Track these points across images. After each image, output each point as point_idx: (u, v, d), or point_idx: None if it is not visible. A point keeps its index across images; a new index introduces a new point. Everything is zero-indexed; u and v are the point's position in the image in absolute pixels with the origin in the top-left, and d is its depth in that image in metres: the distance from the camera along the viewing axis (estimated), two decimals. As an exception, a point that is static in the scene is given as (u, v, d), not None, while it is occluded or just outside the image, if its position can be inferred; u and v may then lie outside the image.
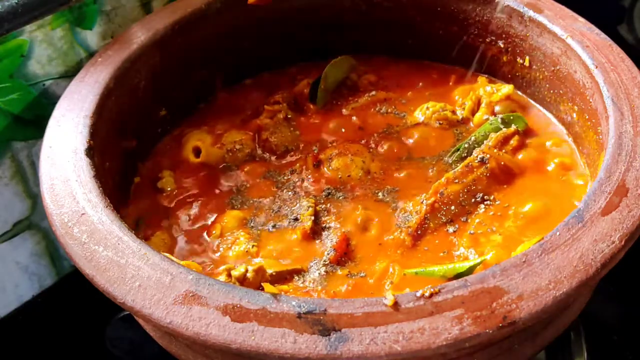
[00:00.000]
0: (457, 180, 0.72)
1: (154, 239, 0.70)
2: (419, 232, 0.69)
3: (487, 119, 0.80)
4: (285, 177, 0.78)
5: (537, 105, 0.83)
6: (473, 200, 0.72)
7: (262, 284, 0.62)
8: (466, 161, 0.73)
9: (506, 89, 0.82)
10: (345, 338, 0.48)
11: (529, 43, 0.81)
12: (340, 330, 0.48)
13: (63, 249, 0.58)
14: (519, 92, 0.85)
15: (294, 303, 0.50)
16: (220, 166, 0.80)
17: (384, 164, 0.78)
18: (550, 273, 0.51)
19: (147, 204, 0.76)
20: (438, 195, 0.71)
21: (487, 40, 0.85)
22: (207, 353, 0.56)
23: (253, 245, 0.69)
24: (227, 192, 0.77)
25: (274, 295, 0.51)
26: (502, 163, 0.73)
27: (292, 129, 0.83)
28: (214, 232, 0.71)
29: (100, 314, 0.76)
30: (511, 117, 0.79)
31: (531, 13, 0.79)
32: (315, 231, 0.71)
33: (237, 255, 0.68)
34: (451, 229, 0.70)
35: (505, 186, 0.73)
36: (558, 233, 0.54)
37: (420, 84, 0.89)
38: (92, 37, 0.83)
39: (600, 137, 0.68)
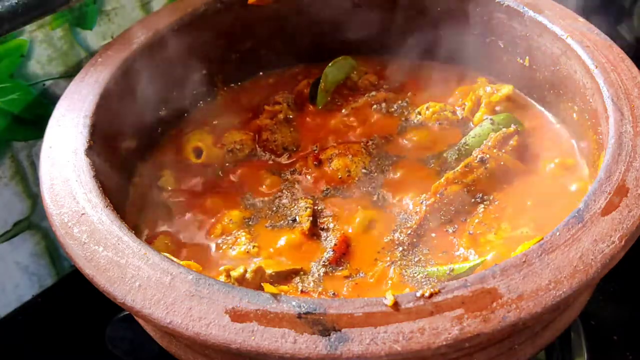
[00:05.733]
0: (456, 181, 0.72)
1: (156, 242, 0.70)
2: (418, 233, 0.69)
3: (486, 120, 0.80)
4: (285, 177, 0.78)
5: (537, 105, 0.83)
6: (473, 200, 0.72)
7: (262, 284, 0.62)
8: (466, 161, 0.73)
9: (506, 89, 0.82)
10: (345, 338, 0.48)
11: (529, 43, 0.80)
12: (340, 330, 0.48)
13: (63, 249, 0.58)
14: (519, 92, 0.85)
15: (294, 303, 0.50)
16: (221, 166, 0.80)
17: (383, 164, 0.78)
18: (550, 273, 0.51)
19: (147, 203, 0.76)
20: (438, 195, 0.71)
21: (487, 40, 0.85)
22: (207, 353, 0.56)
23: (254, 246, 0.69)
24: (228, 193, 0.77)
25: (274, 296, 0.51)
26: (502, 163, 0.73)
27: (292, 129, 0.83)
28: (214, 232, 0.71)
29: (100, 314, 0.76)
30: (501, 118, 0.79)
31: (531, 13, 0.79)
32: (314, 232, 0.71)
33: (238, 255, 0.68)
34: (451, 229, 0.70)
35: (504, 186, 0.73)
36: (558, 233, 0.54)
37: (420, 84, 0.89)
38: (92, 37, 0.83)
39: (600, 137, 0.68)
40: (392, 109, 0.85)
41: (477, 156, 0.73)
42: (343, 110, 0.86)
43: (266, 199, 0.75)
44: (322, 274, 0.66)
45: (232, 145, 0.80)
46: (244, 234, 0.71)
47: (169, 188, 0.77)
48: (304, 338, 0.48)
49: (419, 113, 0.83)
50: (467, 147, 0.77)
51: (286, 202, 0.74)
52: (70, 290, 0.88)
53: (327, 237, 0.70)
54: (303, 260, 0.68)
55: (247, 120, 0.84)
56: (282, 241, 0.70)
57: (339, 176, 0.76)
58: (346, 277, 0.66)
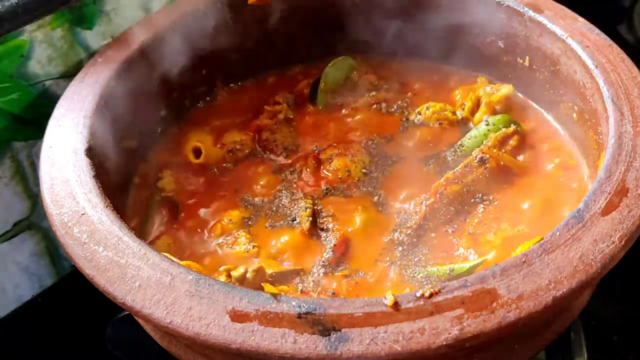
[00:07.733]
0: (456, 181, 0.72)
1: (157, 242, 0.70)
2: (418, 233, 0.69)
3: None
4: (285, 177, 0.78)
5: (537, 106, 0.83)
6: (472, 200, 0.72)
7: (262, 284, 0.62)
8: (466, 161, 0.73)
9: (506, 89, 0.82)
10: (345, 338, 0.48)
11: (529, 43, 0.80)
12: (340, 330, 0.48)
13: (63, 249, 0.58)
14: (519, 93, 0.85)
15: (294, 303, 0.50)
16: (221, 166, 0.80)
17: (383, 165, 0.78)
18: (550, 273, 0.51)
19: (147, 204, 0.76)
20: (438, 195, 0.71)
21: (487, 40, 0.85)
22: (207, 353, 0.56)
23: (254, 246, 0.69)
24: (227, 193, 0.77)
25: (274, 295, 0.51)
26: (502, 163, 0.73)
27: (292, 129, 0.83)
28: (214, 232, 0.71)
29: (100, 314, 0.76)
30: (497, 119, 0.79)
31: (531, 13, 0.79)
32: (314, 232, 0.71)
33: (238, 256, 0.68)
34: (451, 229, 0.70)
35: (504, 186, 0.73)
36: (558, 233, 0.54)
37: (420, 84, 0.89)
38: (92, 37, 0.83)
39: (600, 137, 0.68)
40: (392, 109, 0.85)
41: (476, 156, 0.73)
42: (343, 110, 0.86)
43: (266, 199, 0.75)
44: (322, 274, 0.66)
45: (232, 145, 0.80)
46: (243, 234, 0.71)
47: (169, 188, 0.77)
48: (304, 338, 0.48)
49: (419, 113, 0.83)
50: (463, 148, 0.77)
51: (286, 202, 0.74)
52: (70, 290, 0.88)
53: (327, 237, 0.70)
54: (303, 260, 0.68)
55: (247, 120, 0.84)
56: (282, 241, 0.70)
57: (339, 176, 0.76)
58: (346, 277, 0.66)
